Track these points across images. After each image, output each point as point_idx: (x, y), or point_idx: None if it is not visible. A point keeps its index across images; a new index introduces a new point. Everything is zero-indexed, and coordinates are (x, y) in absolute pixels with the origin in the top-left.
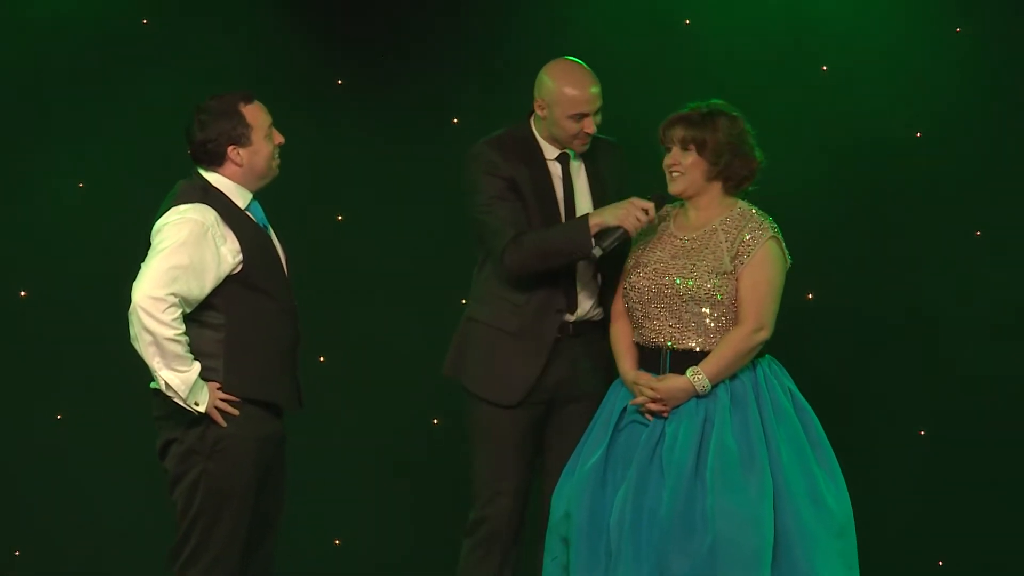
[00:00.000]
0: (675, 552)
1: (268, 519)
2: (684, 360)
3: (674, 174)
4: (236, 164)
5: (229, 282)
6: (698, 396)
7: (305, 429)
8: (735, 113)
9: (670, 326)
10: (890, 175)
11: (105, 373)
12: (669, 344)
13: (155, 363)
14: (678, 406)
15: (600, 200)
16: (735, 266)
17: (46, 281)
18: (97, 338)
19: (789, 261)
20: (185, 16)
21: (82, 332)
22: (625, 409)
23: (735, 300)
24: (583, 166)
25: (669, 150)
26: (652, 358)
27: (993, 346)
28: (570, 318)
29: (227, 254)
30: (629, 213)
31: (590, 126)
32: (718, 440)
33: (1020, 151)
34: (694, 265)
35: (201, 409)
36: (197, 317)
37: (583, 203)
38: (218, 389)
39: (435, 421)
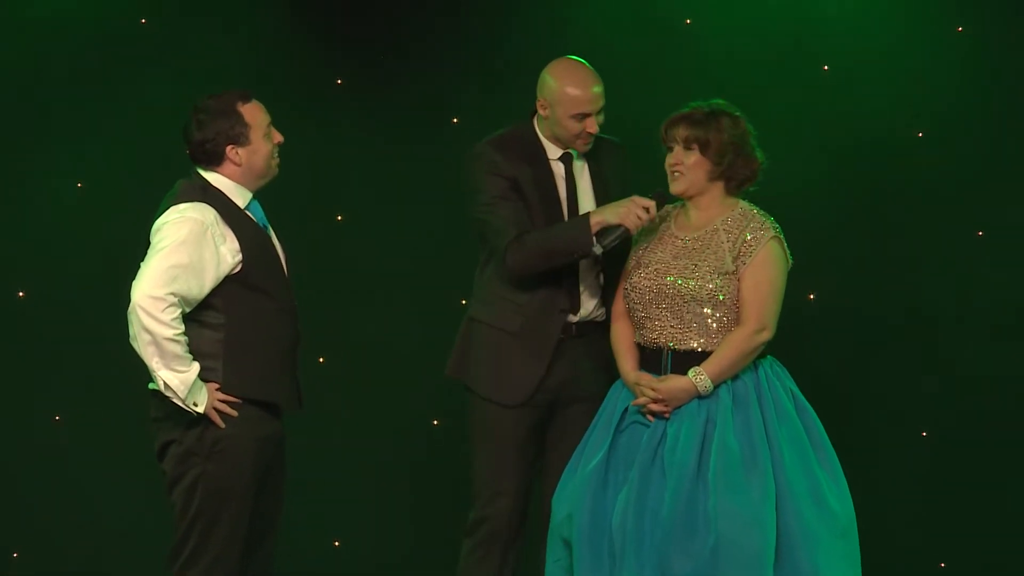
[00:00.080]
0: (677, 553)
1: (268, 519)
2: (685, 360)
3: (676, 174)
4: (235, 163)
5: (229, 282)
6: (700, 397)
7: (305, 429)
8: (737, 113)
9: (672, 326)
10: (890, 175)
11: (104, 373)
12: (671, 344)
13: (154, 363)
14: (680, 407)
15: (603, 200)
16: (737, 266)
17: (45, 281)
18: (96, 338)
19: (791, 261)
20: (185, 16)
21: (81, 332)
22: (626, 410)
23: (737, 300)
24: (586, 166)
25: (671, 150)
26: (653, 359)
27: (993, 346)
28: (573, 318)
29: (227, 254)
30: (630, 211)
31: (592, 126)
32: (720, 441)
33: (1020, 151)
34: (696, 265)
35: (200, 410)
36: (197, 317)
37: (586, 203)
38: (217, 389)
39: (435, 422)
